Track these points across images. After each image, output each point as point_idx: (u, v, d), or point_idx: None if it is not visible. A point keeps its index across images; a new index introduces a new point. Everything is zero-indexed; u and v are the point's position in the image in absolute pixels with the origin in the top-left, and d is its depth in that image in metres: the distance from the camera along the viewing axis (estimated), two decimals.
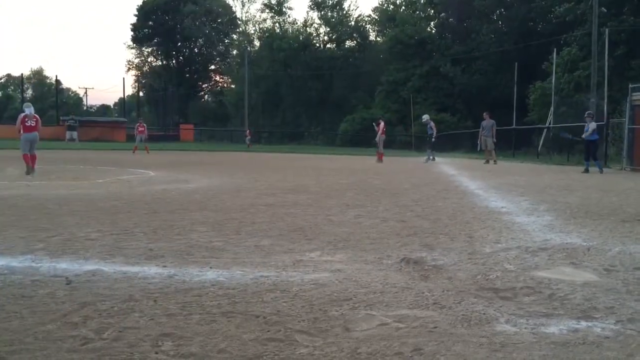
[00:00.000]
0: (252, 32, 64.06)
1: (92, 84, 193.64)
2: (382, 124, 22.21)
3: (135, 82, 72.40)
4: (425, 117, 23.37)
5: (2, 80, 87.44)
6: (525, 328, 2.80)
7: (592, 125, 15.85)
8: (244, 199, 8.25)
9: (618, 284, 3.67)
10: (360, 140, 42.82)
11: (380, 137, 21.84)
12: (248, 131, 42.25)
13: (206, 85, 74.45)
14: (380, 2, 56.78)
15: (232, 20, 67.42)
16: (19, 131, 12.31)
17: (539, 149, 27.66)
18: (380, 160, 21.39)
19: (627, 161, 17.74)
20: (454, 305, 3.17)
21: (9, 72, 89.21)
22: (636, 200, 8.79)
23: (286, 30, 59.06)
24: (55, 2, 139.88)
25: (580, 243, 5.02)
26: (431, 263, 4.20)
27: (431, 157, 22.55)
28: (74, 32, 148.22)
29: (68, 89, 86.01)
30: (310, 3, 58.91)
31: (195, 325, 2.78)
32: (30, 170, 11.98)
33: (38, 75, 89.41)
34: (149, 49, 71.17)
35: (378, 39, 58.47)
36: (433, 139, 22.69)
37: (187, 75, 70.53)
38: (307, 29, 59.43)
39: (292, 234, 5.34)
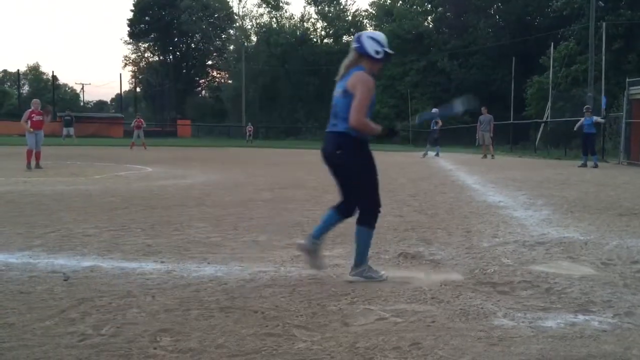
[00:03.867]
0: (249, 27, 63.73)
1: (89, 80, 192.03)
2: None
3: (132, 77, 72.25)
4: (435, 110, 23.29)
5: None
6: (523, 322, 2.81)
7: (592, 119, 15.89)
8: (242, 195, 8.24)
9: (615, 277, 3.68)
10: None
11: None
12: (250, 126, 41.91)
13: (203, 80, 74.17)
14: None
15: (229, 16, 67.13)
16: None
17: (537, 143, 27.65)
18: None
19: (624, 155, 17.76)
20: (451, 299, 3.17)
21: (5, 68, 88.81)
22: (633, 194, 8.80)
23: (283, 25, 58.81)
24: None
25: (578, 237, 5.03)
26: (429, 258, 4.21)
27: (435, 153, 22.29)
28: (70, 28, 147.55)
29: (65, 85, 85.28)
30: None
31: (194, 321, 2.78)
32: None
33: (34, 71, 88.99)
34: (146, 45, 70.86)
35: None
36: (436, 135, 22.57)
37: (184, 70, 70.28)
38: (304, 24, 59.27)
39: (290, 229, 5.34)
